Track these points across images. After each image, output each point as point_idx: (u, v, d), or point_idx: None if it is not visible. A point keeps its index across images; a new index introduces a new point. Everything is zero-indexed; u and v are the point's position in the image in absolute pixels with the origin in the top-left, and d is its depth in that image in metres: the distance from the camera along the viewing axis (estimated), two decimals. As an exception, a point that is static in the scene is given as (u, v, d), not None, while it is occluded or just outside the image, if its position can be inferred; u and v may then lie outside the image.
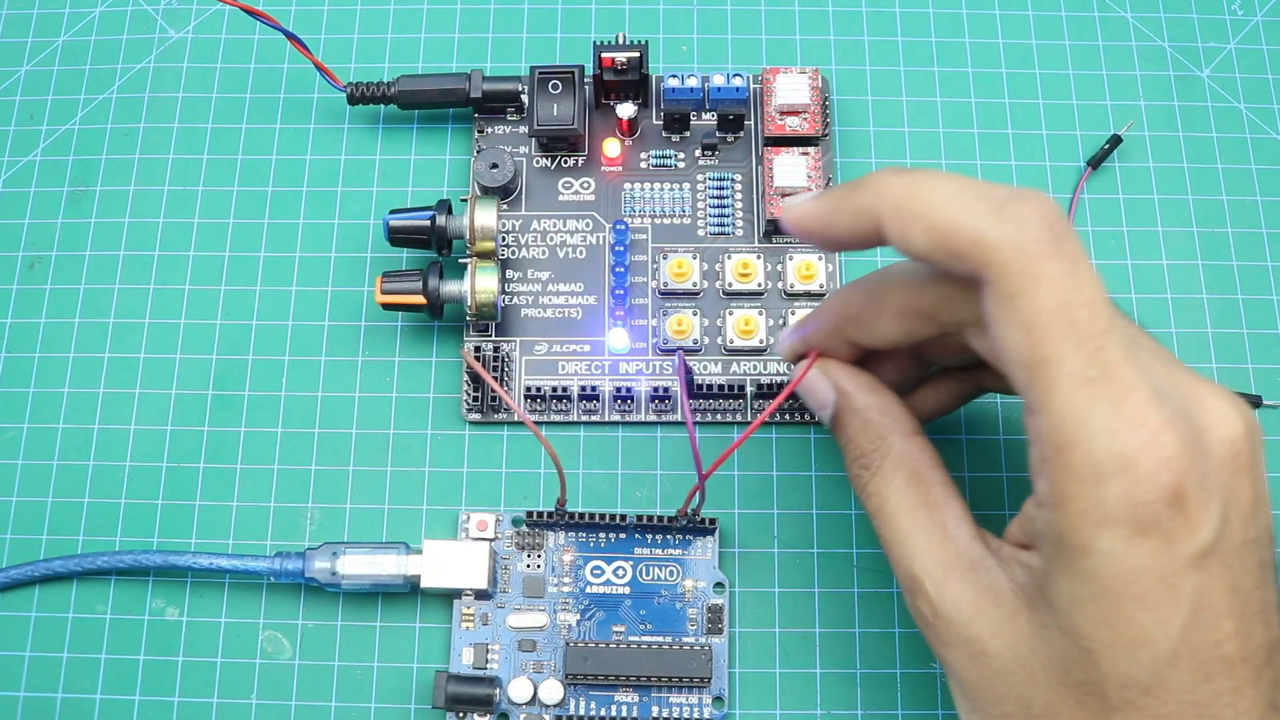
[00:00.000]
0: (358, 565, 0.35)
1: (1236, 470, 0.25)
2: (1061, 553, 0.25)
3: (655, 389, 0.37)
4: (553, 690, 0.34)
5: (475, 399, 0.37)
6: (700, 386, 0.37)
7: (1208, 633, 0.25)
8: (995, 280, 0.25)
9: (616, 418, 0.38)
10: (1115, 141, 0.40)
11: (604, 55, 0.39)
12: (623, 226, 0.39)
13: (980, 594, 0.27)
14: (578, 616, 0.35)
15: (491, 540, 0.36)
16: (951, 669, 0.28)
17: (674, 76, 0.39)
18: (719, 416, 0.38)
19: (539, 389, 0.37)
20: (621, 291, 0.38)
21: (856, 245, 0.29)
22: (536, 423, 0.37)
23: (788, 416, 0.38)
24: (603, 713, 0.34)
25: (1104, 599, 0.25)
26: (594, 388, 0.37)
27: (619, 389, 0.37)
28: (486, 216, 0.37)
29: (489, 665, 0.35)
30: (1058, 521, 0.25)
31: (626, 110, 0.40)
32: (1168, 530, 0.24)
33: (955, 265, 0.26)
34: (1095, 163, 0.40)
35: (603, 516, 0.35)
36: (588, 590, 0.36)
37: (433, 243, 0.37)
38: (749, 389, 0.37)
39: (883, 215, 0.27)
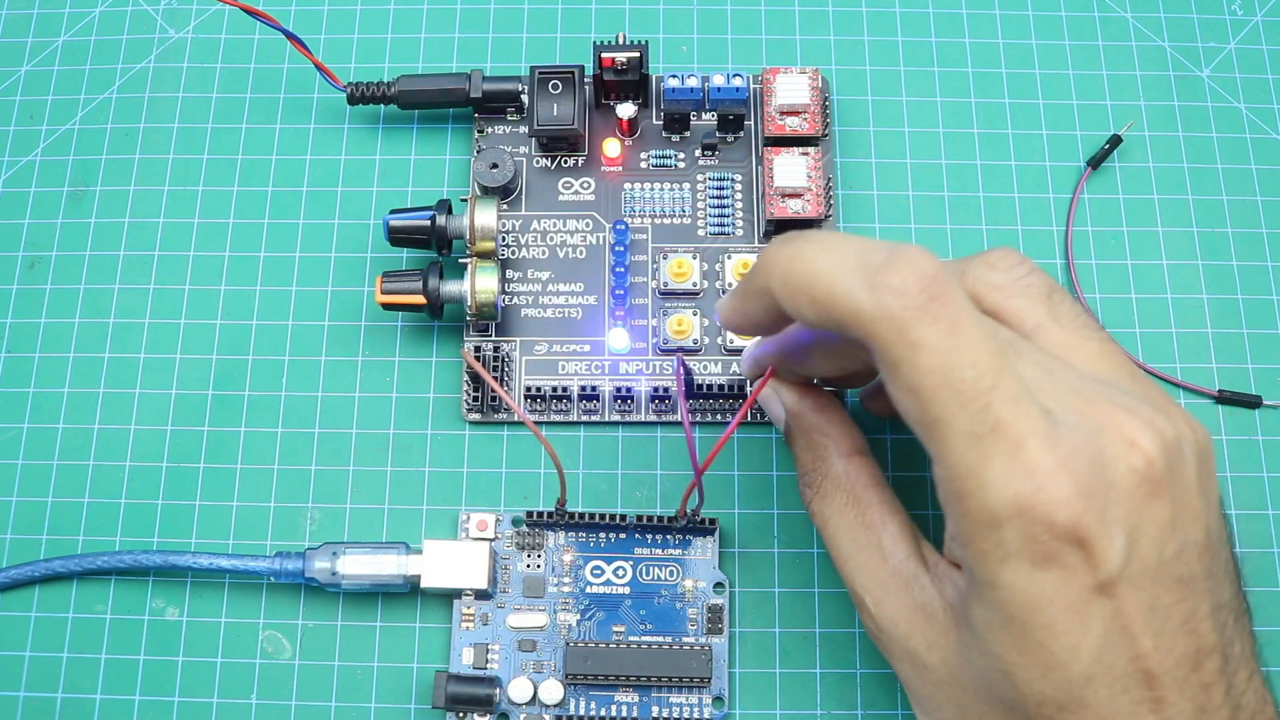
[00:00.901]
0: (358, 565, 0.35)
1: (1146, 495, 0.25)
2: (973, 584, 0.26)
3: (655, 389, 0.37)
4: (553, 690, 0.34)
5: (475, 399, 0.37)
6: (700, 387, 0.37)
7: (1122, 651, 0.25)
8: (878, 349, 0.25)
9: (616, 418, 0.38)
10: (1115, 141, 0.40)
11: (604, 55, 0.39)
12: (623, 226, 0.39)
13: (915, 611, 0.29)
14: (578, 616, 0.35)
15: (491, 540, 0.36)
16: (901, 677, 0.30)
17: (674, 76, 0.39)
18: (718, 416, 0.38)
19: (539, 389, 0.37)
20: (621, 291, 0.38)
21: (781, 323, 0.30)
22: (536, 423, 0.37)
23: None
24: (603, 713, 0.34)
25: (1013, 626, 0.26)
26: (594, 388, 0.37)
27: (619, 389, 0.37)
28: (486, 216, 0.37)
29: (489, 665, 0.35)
30: (966, 558, 0.26)
31: (626, 110, 0.40)
32: (1069, 564, 0.25)
33: (846, 334, 0.26)
34: (1095, 163, 0.40)
35: (603, 516, 0.35)
36: (588, 590, 0.36)
37: (433, 243, 0.37)
38: (749, 389, 0.37)
39: (775, 293, 0.27)
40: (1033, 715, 0.26)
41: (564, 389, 0.37)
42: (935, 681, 0.28)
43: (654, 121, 0.41)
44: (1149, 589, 0.26)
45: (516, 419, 0.38)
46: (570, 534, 0.36)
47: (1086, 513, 0.25)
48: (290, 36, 0.39)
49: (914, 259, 0.25)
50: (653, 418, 0.38)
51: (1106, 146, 0.40)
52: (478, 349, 0.38)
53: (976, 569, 0.26)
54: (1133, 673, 0.26)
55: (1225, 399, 0.38)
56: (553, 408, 0.38)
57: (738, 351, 0.38)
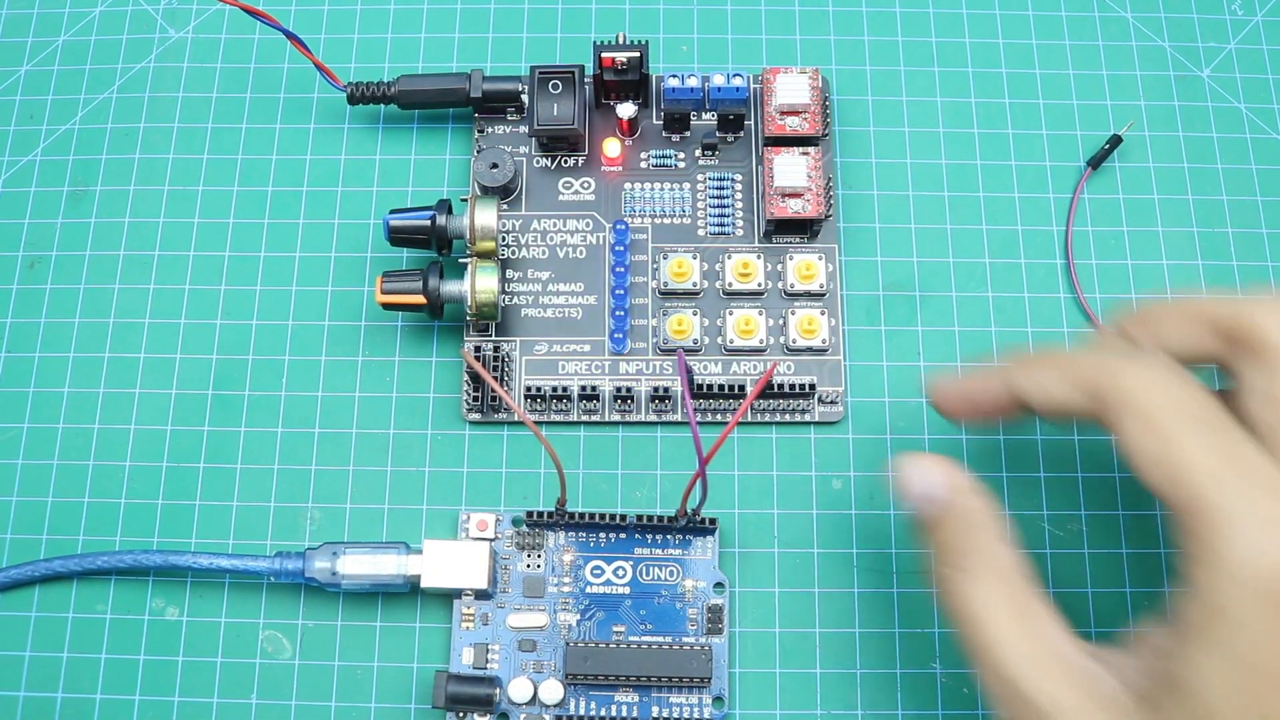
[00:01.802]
0: (358, 565, 0.35)
1: None
2: (1203, 627, 0.26)
3: (655, 389, 0.37)
4: (553, 690, 0.34)
5: (475, 399, 0.37)
6: (700, 386, 0.37)
7: None
8: (1119, 407, 0.28)
9: (616, 418, 0.38)
10: (1115, 141, 0.40)
11: (604, 55, 0.39)
12: (623, 226, 0.39)
13: (1086, 697, 0.27)
14: (578, 616, 0.35)
15: (491, 540, 0.36)
16: None
17: (674, 76, 0.39)
18: (718, 416, 0.38)
19: (539, 389, 0.37)
20: (621, 291, 0.38)
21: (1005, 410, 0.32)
22: (536, 423, 0.37)
23: (788, 416, 0.38)
24: (603, 713, 0.34)
25: (1235, 670, 0.25)
26: (594, 387, 0.37)
27: (619, 389, 0.37)
28: (486, 216, 0.37)
29: (489, 665, 0.35)
30: (1201, 597, 0.26)
31: (627, 110, 0.40)
32: None
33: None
34: (1095, 163, 0.40)
35: (603, 516, 0.35)
36: (588, 590, 0.36)
37: (433, 243, 0.37)
38: (749, 389, 0.37)
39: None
40: None
41: (564, 389, 0.37)
42: None
43: (654, 121, 0.41)
44: None
45: (517, 419, 0.38)
46: (570, 534, 0.36)
47: None
48: (290, 36, 0.39)
49: (1137, 358, 0.29)
50: (653, 418, 0.38)
51: (1106, 146, 0.40)
52: (477, 349, 0.38)
53: (1215, 600, 0.26)
54: None
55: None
56: (553, 408, 0.38)
57: (737, 351, 0.38)
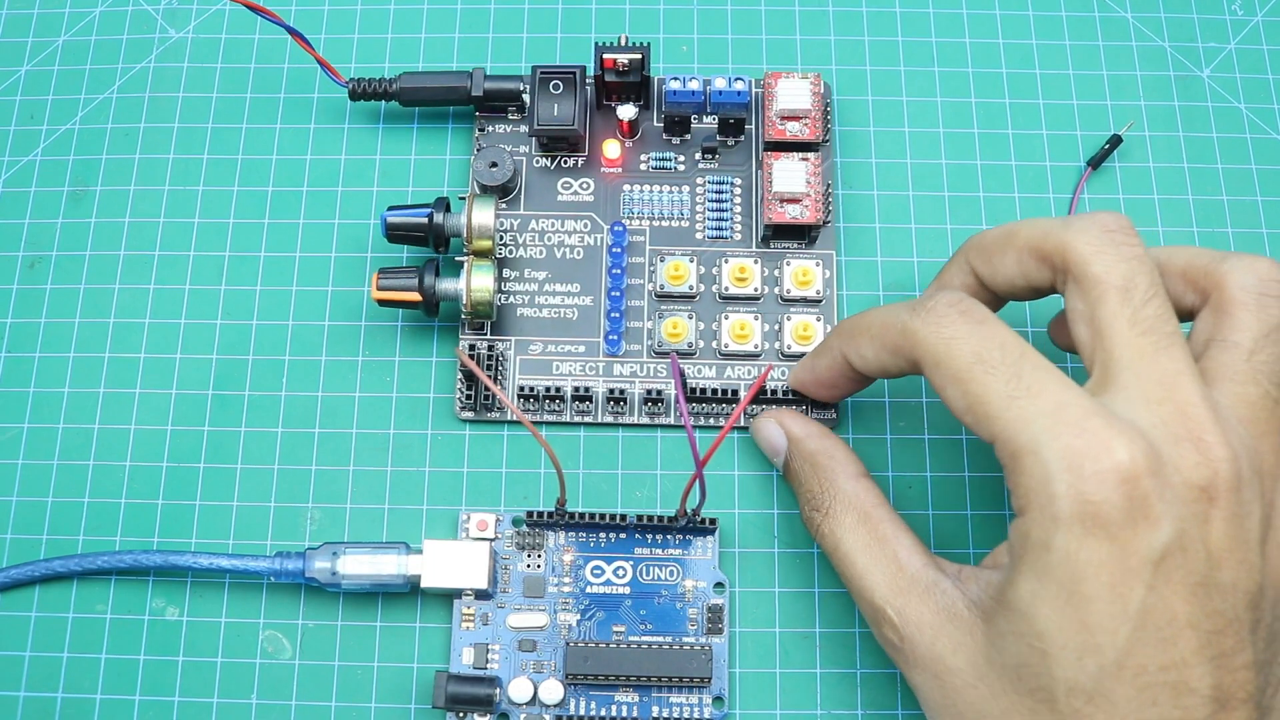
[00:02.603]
0: (358, 565, 0.35)
1: (1200, 504, 0.26)
2: (1026, 553, 0.27)
3: (648, 391, 0.37)
4: (553, 690, 0.34)
5: (469, 398, 0.37)
6: (693, 390, 0.37)
7: (1156, 654, 0.26)
8: (922, 357, 0.30)
9: (609, 419, 0.38)
10: (1115, 141, 0.40)
11: (606, 56, 0.39)
12: (621, 228, 0.39)
13: (938, 613, 0.29)
14: (578, 616, 0.35)
15: (491, 540, 0.36)
16: (919, 690, 0.30)
17: (675, 79, 0.39)
18: (711, 420, 0.38)
19: (532, 388, 0.37)
20: (618, 293, 0.38)
21: (843, 379, 0.35)
22: (531, 422, 0.37)
23: (787, 417, 0.38)
24: (603, 713, 0.34)
25: (1059, 596, 0.26)
26: (587, 389, 0.37)
27: (612, 390, 0.37)
28: (484, 215, 0.37)
29: (489, 665, 0.35)
30: (1023, 525, 0.27)
31: (627, 112, 0.40)
32: (1116, 533, 0.26)
33: (898, 360, 0.31)
34: (1095, 163, 0.40)
35: (603, 516, 0.36)
36: (588, 590, 0.36)
37: (430, 240, 0.37)
38: (743, 393, 0.37)
39: (840, 346, 0.34)
40: (1060, 705, 0.26)
41: (557, 389, 0.37)
42: (957, 687, 0.29)
43: (654, 123, 0.41)
44: (1192, 601, 0.26)
45: (514, 419, 0.38)
46: (570, 534, 0.36)
47: (1137, 483, 0.26)
48: (292, 32, 0.39)
49: (942, 293, 0.30)
50: (645, 420, 0.38)
51: (1106, 146, 0.40)
52: (472, 347, 0.38)
53: (1032, 532, 0.27)
54: (1163, 683, 0.26)
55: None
56: (546, 407, 0.38)
57: (732, 355, 0.38)
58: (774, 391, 0.37)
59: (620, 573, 0.36)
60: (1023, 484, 0.27)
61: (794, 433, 0.35)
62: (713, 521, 0.35)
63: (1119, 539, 0.26)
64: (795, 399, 0.37)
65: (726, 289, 0.38)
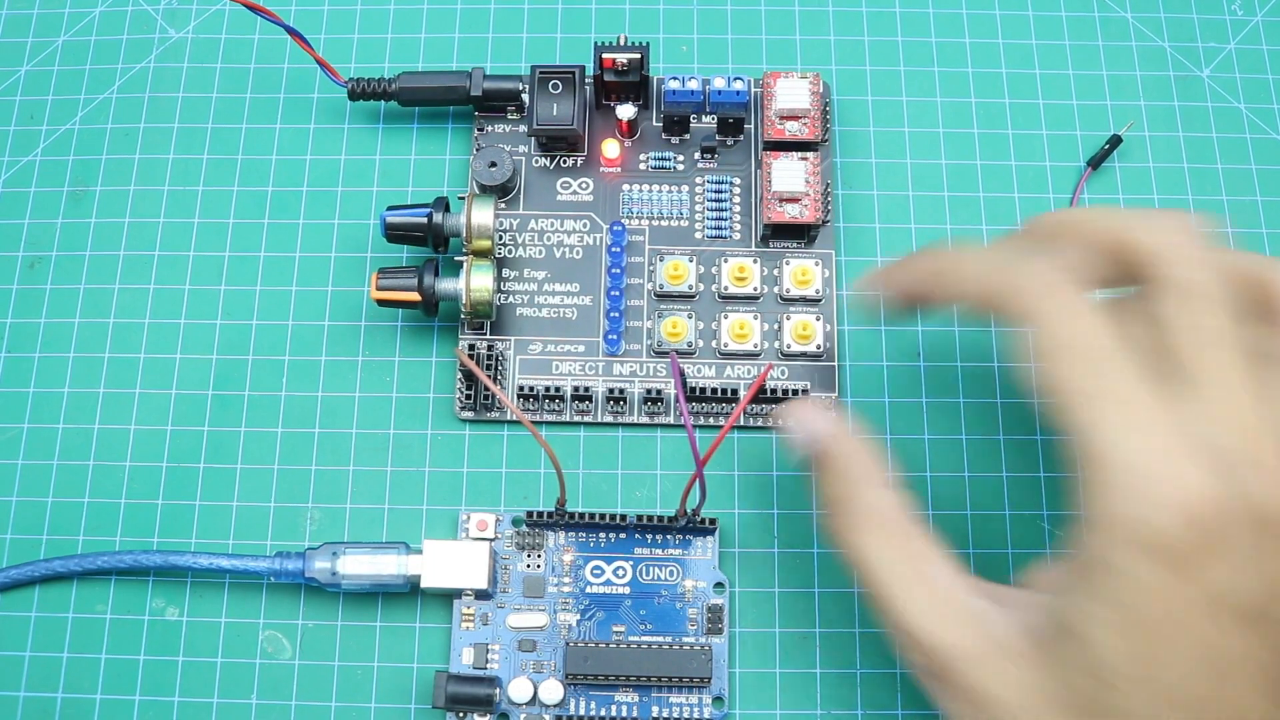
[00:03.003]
0: (358, 565, 0.35)
1: (1274, 543, 0.25)
2: (1092, 576, 0.26)
3: (648, 390, 0.37)
4: (553, 690, 0.34)
5: (468, 397, 0.37)
6: (692, 389, 0.37)
7: (1215, 689, 0.25)
8: (1012, 321, 0.28)
9: (609, 419, 0.38)
10: (1115, 141, 0.40)
11: (605, 56, 0.39)
12: (620, 228, 0.39)
13: (983, 641, 0.27)
14: (578, 616, 0.35)
15: (491, 540, 0.36)
16: (952, 716, 0.28)
17: (674, 79, 0.39)
18: (710, 420, 0.38)
19: (532, 388, 0.37)
20: (617, 293, 0.38)
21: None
22: (530, 422, 0.37)
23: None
24: (603, 713, 0.34)
25: (1124, 624, 0.25)
26: (587, 388, 0.37)
27: (612, 390, 0.37)
28: (483, 215, 0.37)
29: (489, 665, 0.35)
30: (1091, 545, 0.26)
31: (626, 111, 0.40)
32: (1184, 565, 0.25)
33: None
34: (1095, 163, 0.40)
35: (603, 516, 0.36)
36: (588, 590, 0.36)
37: (429, 240, 0.37)
38: (742, 392, 0.37)
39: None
40: None
41: (557, 389, 0.37)
42: (1000, 717, 0.27)
43: (654, 123, 0.41)
44: (1255, 637, 0.25)
45: (514, 418, 0.38)
46: (570, 534, 0.36)
47: (1210, 517, 0.25)
48: (291, 32, 0.39)
49: (1036, 258, 0.29)
50: (645, 420, 0.38)
51: (1106, 146, 0.40)
52: (472, 347, 0.38)
53: (1097, 550, 0.25)
54: (1219, 719, 0.25)
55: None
56: (545, 407, 0.38)
57: (731, 355, 0.38)
58: (773, 391, 0.37)
59: (620, 573, 0.36)
60: (1095, 498, 0.26)
61: (823, 430, 0.32)
62: (713, 521, 0.35)
63: (1187, 570, 0.25)
64: (799, 398, 0.37)
65: (726, 288, 0.38)
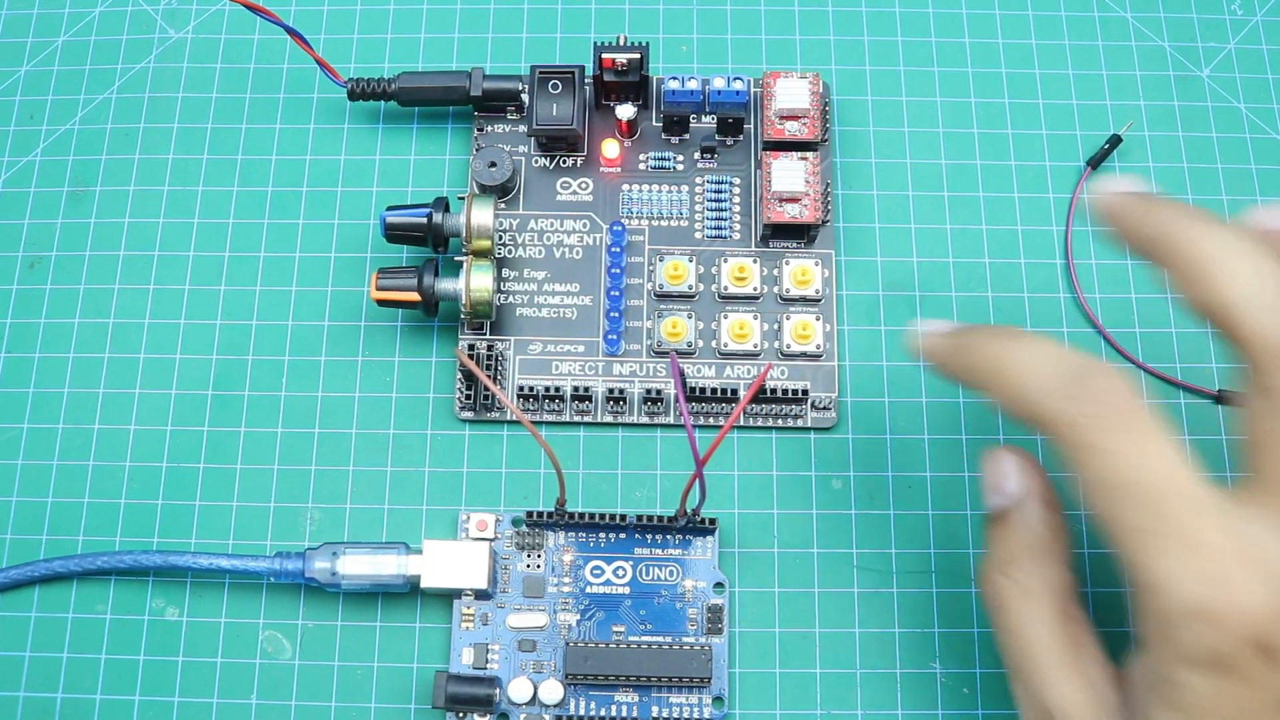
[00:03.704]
0: (358, 565, 0.35)
1: None
2: (1157, 688, 0.26)
3: (648, 390, 0.37)
4: (553, 690, 0.34)
5: (468, 397, 0.37)
6: (692, 389, 0.37)
7: None
8: (1063, 449, 0.27)
9: (609, 419, 0.38)
10: (1115, 141, 0.40)
11: (605, 56, 0.39)
12: (620, 228, 0.39)
13: None
14: (578, 616, 0.35)
15: (491, 540, 0.36)
16: None
17: (674, 79, 0.39)
18: (710, 420, 0.38)
19: (532, 388, 0.37)
20: (617, 293, 0.38)
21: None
22: (530, 422, 0.37)
23: (781, 421, 0.38)
24: (603, 713, 0.34)
25: None
26: (587, 388, 0.37)
27: (612, 390, 0.37)
28: (483, 215, 0.37)
29: (489, 665, 0.35)
30: (1150, 661, 0.26)
31: (626, 111, 0.40)
32: (1246, 676, 0.25)
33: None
34: (1095, 163, 0.40)
35: (603, 516, 0.36)
36: (588, 590, 0.36)
37: (429, 240, 0.37)
38: (742, 392, 0.37)
39: (970, 380, 0.30)
40: None
41: (557, 389, 0.37)
42: None
43: (653, 123, 0.41)
44: None
45: (514, 418, 0.38)
46: (570, 534, 0.36)
47: (1267, 628, 0.24)
48: (291, 32, 0.39)
49: (1107, 376, 0.27)
50: (645, 420, 0.38)
51: (1106, 146, 0.40)
52: (471, 347, 0.38)
53: (1158, 667, 0.26)
54: None
55: (1225, 399, 0.38)
56: (545, 407, 0.38)
57: (731, 355, 0.38)
58: (773, 391, 0.37)
59: (620, 573, 0.36)
60: (1149, 620, 0.26)
61: (1035, 489, 0.30)
62: (713, 521, 0.35)
63: (1250, 680, 0.25)
64: (798, 399, 0.37)
65: (726, 288, 0.38)
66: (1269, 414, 0.26)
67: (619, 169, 0.40)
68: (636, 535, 0.36)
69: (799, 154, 0.38)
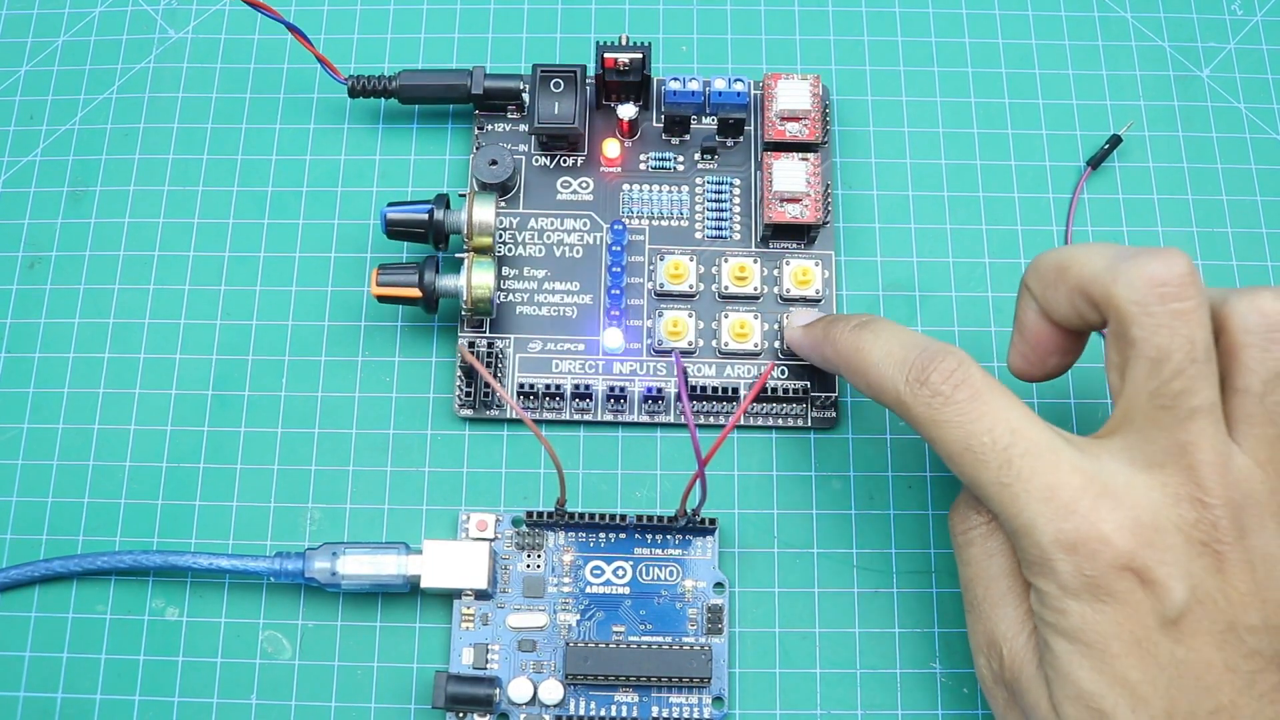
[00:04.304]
0: (358, 565, 0.35)
1: (1204, 556, 0.27)
2: (1047, 620, 0.28)
3: (649, 389, 0.37)
4: (553, 690, 0.34)
5: (468, 394, 0.37)
6: (693, 388, 0.37)
7: (1202, 700, 0.26)
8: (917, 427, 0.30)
9: (609, 417, 0.38)
10: (1115, 141, 0.40)
11: (606, 56, 0.39)
12: (620, 227, 0.39)
13: (1037, 668, 0.29)
14: (578, 616, 0.35)
15: (491, 540, 0.36)
16: None
17: (675, 79, 0.39)
18: (711, 419, 0.38)
19: (532, 386, 0.37)
20: (617, 291, 0.38)
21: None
22: (531, 419, 0.37)
23: (782, 420, 0.38)
24: (603, 713, 0.34)
25: (1091, 656, 0.27)
26: (587, 387, 0.37)
27: (612, 388, 0.37)
28: (484, 212, 0.37)
29: (489, 665, 0.35)
30: (1039, 597, 0.28)
31: (627, 111, 0.40)
32: (1126, 600, 0.27)
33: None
34: (1095, 163, 0.40)
35: (603, 516, 0.36)
36: (588, 590, 0.36)
37: (430, 237, 0.37)
38: (743, 391, 0.37)
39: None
40: None
41: (557, 387, 0.37)
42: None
43: (654, 123, 0.41)
44: (1225, 647, 0.26)
45: (514, 417, 0.38)
46: (570, 534, 0.36)
47: (1136, 550, 0.27)
48: (291, 28, 0.39)
49: (948, 357, 0.30)
50: (645, 419, 0.38)
51: (1106, 146, 0.40)
52: (472, 345, 0.38)
53: (1050, 603, 0.28)
54: None
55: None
56: (545, 405, 0.38)
57: (732, 354, 0.38)
58: (773, 391, 0.37)
59: (620, 573, 0.36)
60: (1030, 562, 0.28)
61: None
62: (713, 521, 0.35)
63: (1130, 604, 0.27)
64: (799, 399, 0.37)
65: (726, 288, 0.38)
66: (1127, 364, 0.28)
67: (619, 169, 0.40)
68: (636, 535, 0.36)
69: (800, 155, 0.38)
